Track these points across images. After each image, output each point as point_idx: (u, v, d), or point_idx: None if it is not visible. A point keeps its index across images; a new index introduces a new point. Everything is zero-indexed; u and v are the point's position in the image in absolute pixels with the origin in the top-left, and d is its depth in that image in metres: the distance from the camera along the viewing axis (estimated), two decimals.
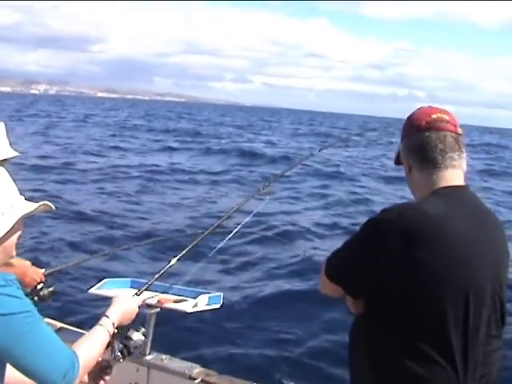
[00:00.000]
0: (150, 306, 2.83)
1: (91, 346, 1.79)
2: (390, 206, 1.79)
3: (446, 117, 1.86)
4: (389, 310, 1.72)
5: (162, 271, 2.44)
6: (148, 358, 2.97)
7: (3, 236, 1.57)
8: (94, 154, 22.41)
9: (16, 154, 2.58)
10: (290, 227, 11.03)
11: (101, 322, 1.91)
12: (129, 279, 3.05)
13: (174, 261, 2.48)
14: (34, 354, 1.57)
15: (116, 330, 1.96)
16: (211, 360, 5.09)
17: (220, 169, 20.69)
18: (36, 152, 20.65)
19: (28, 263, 2.82)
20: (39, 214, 1.71)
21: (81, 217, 11.11)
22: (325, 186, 17.60)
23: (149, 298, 2.84)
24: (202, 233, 2.64)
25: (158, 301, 2.83)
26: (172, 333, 5.29)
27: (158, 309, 2.85)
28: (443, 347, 1.67)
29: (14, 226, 1.58)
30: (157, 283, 3.11)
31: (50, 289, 2.91)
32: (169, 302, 2.86)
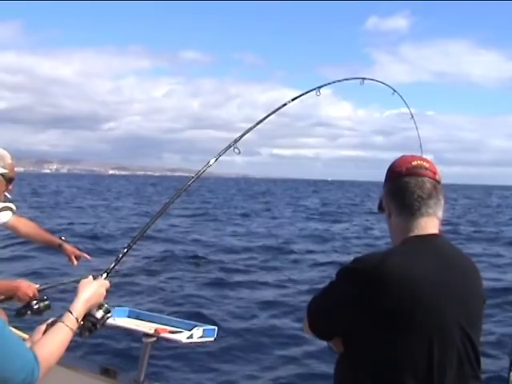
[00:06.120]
0: (146, 335, 2.97)
1: (53, 346, 1.79)
2: (360, 255, 1.90)
3: (426, 164, 1.93)
4: (360, 354, 1.82)
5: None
6: None
7: None
8: None
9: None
10: None
11: (64, 318, 1.87)
12: (127, 308, 3.20)
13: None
14: None
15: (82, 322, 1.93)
16: None
17: None
18: None
19: (22, 279, 3.06)
20: None
21: None
22: None
23: (146, 328, 2.99)
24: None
25: (155, 330, 2.97)
26: (167, 362, 5.36)
27: (155, 338, 2.98)
28: None
29: None
30: (155, 314, 3.26)
31: (46, 302, 3.08)
32: (165, 332, 2.99)
